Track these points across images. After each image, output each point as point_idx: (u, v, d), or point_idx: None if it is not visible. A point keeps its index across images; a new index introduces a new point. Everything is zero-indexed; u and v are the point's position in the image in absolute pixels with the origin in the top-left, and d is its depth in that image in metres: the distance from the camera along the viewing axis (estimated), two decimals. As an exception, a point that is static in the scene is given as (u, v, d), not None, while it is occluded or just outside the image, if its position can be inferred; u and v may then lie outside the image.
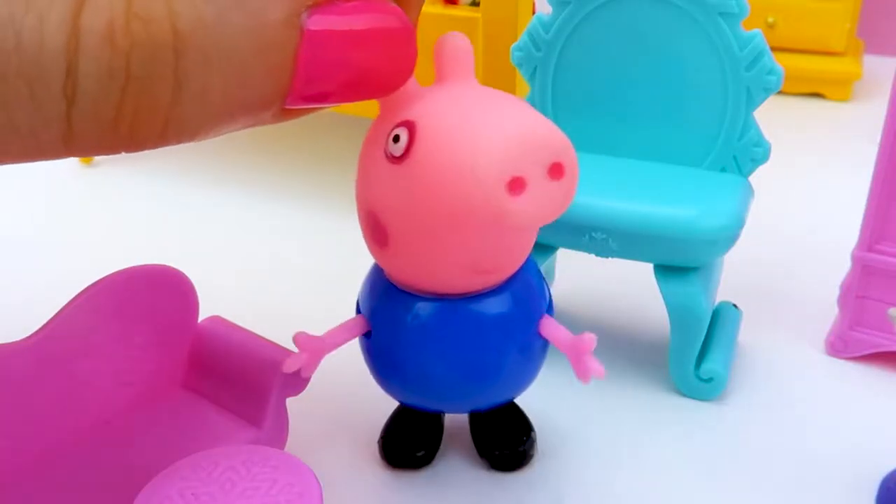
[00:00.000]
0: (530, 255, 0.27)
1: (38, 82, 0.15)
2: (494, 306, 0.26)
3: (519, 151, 0.21)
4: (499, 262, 0.25)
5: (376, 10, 0.20)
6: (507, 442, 0.30)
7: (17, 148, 0.16)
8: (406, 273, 0.26)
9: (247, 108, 0.18)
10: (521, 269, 0.27)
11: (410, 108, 0.23)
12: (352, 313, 0.29)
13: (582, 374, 0.26)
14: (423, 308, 0.26)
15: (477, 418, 0.31)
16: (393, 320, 0.27)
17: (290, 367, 0.27)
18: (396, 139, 0.23)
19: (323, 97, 0.20)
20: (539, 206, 0.21)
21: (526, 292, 0.27)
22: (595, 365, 0.26)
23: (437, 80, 0.25)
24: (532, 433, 0.31)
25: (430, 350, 0.26)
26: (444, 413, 0.31)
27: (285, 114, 0.20)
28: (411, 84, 0.24)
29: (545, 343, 0.28)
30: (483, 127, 0.21)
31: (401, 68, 0.21)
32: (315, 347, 0.27)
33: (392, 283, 0.27)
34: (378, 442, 0.31)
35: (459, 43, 0.25)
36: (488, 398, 0.29)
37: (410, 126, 0.23)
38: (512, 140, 0.21)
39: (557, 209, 0.22)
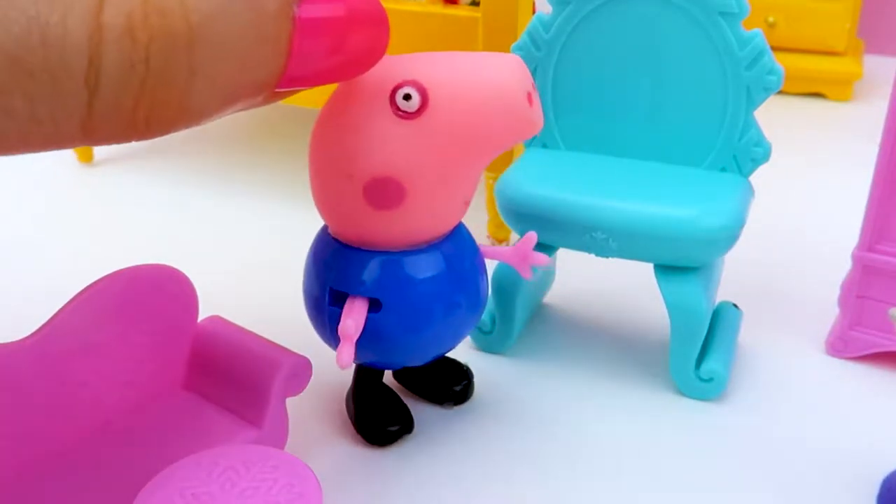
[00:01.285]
0: None
1: (62, 75, 0.16)
2: (461, 245, 0.30)
3: (523, 73, 0.26)
4: (474, 191, 0.29)
5: None
6: (456, 377, 0.33)
7: (37, 138, 0.17)
8: (411, 227, 0.28)
9: (246, 92, 0.20)
10: None
11: (394, 72, 0.26)
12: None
13: (526, 272, 0.31)
14: (424, 259, 0.28)
15: (417, 381, 0.34)
16: (402, 282, 0.28)
17: (344, 361, 0.27)
18: (408, 97, 0.25)
19: (311, 79, 0.21)
20: (538, 112, 0.27)
21: (466, 232, 0.30)
22: (540, 257, 0.31)
23: None
24: (461, 363, 0.34)
25: (440, 299, 0.28)
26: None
27: (274, 96, 0.21)
28: None
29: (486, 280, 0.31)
30: (488, 66, 0.26)
31: (377, 49, 0.23)
32: (353, 336, 0.27)
33: (369, 251, 0.28)
34: (356, 428, 0.32)
35: None
36: (456, 339, 0.30)
37: (416, 84, 0.25)
38: (515, 67, 0.26)
39: (542, 116, 0.28)
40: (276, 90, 0.21)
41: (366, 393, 0.32)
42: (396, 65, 0.26)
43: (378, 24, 0.22)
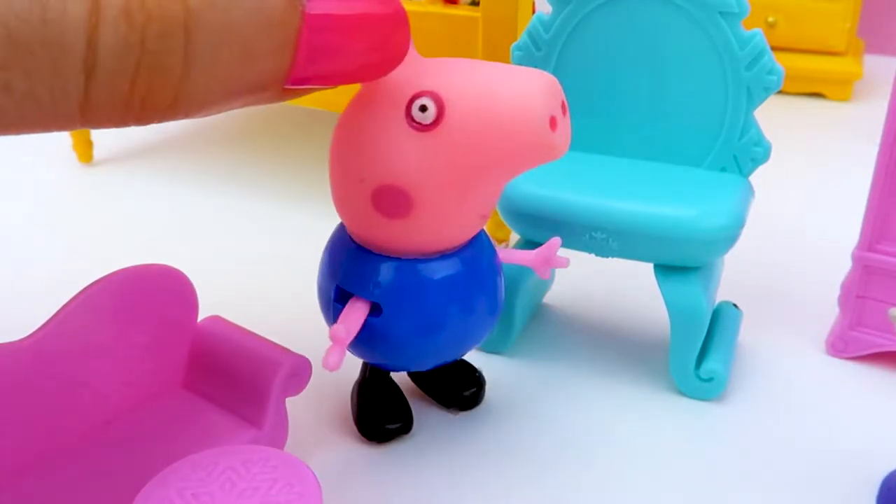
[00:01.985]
0: None
1: (61, 55, 0.16)
2: (479, 255, 0.29)
3: (549, 95, 0.25)
4: (494, 205, 0.29)
5: None
6: (467, 383, 0.33)
7: (36, 118, 0.17)
8: (420, 237, 0.27)
9: (250, 85, 0.19)
10: None
11: (417, 80, 0.25)
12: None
13: (545, 274, 0.31)
14: (436, 268, 0.28)
15: (429, 381, 0.33)
16: (411, 289, 0.28)
17: (330, 364, 0.26)
18: (423, 108, 0.25)
19: (322, 78, 0.21)
20: (564, 137, 0.26)
21: (487, 241, 0.30)
22: (561, 260, 0.31)
23: None
24: (476, 368, 0.34)
25: (443, 306, 0.28)
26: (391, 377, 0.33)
27: (285, 93, 0.21)
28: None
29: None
30: (513, 83, 0.25)
31: (395, 52, 0.22)
32: (345, 339, 0.27)
33: (386, 256, 0.28)
34: (356, 425, 0.31)
35: None
36: (463, 347, 0.30)
37: (434, 95, 0.25)
38: (541, 88, 0.25)
39: (569, 140, 0.26)
40: (286, 87, 0.20)
41: (371, 389, 0.32)
42: (421, 71, 0.25)
43: (396, 26, 0.22)
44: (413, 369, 0.32)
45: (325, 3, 0.20)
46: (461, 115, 0.24)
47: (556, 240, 0.31)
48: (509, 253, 0.32)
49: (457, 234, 0.28)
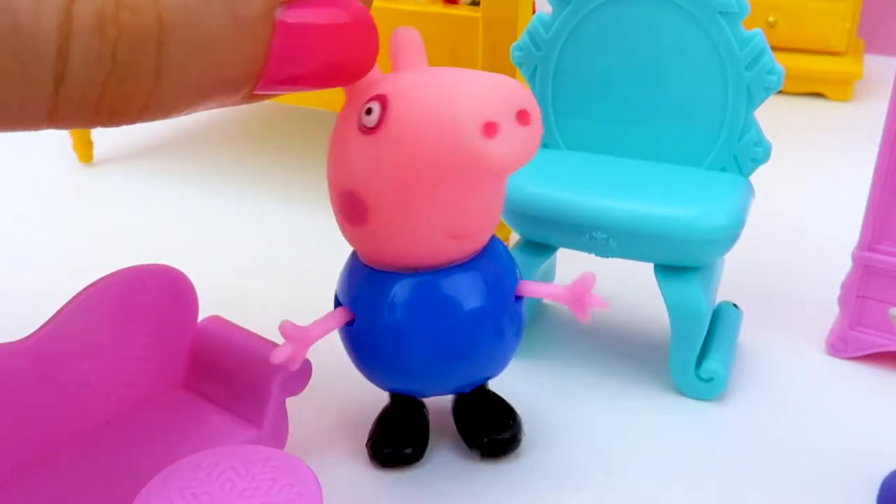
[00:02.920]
0: (496, 236, 0.29)
1: (32, 63, 0.16)
2: (471, 276, 0.27)
3: (490, 99, 0.23)
4: (471, 225, 0.27)
5: (342, 7, 0.21)
6: (494, 428, 0.31)
7: (2, 119, 0.17)
8: (385, 248, 0.27)
9: (219, 91, 0.20)
10: (490, 241, 0.29)
11: (379, 86, 0.25)
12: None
13: (584, 315, 0.28)
14: (403, 284, 0.27)
15: (461, 410, 0.31)
16: (374, 302, 0.27)
17: (277, 357, 0.26)
18: (369, 111, 0.24)
19: (291, 82, 0.21)
20: (510, 149, 0.23)
21: (498, 261, 0.29)
22: (597, 300, 0.28)
23: (394, 69, 0.27)
24: (517, 417, 0.31)
25: (413, 325, 0.27)
26: (425, 406, 0.32)
27: (253, 97, 0.21)
28: (374, 70, 0.25)
29: (520, 313, 0.29)
30: (454, 85, 0.23)
31: (363, 60, 0.23)
32: (300, 337, 0.27)
33: (368, 267, 0.28)
34: (367, 445, 0.31)
35: (412, 35, 0.27)
36: (473, 373, 0.29)
37: (382, 98, 0.24)
38: (482, 90, 0.23)
39: (527, 154, 0.24)
40: (255, 92, 0.21)
41: (389, 414, 0.31)
42: (389, 78, 0.25)
43: (363, 34, 0.22)
44: (397, 390, 0.30)
45: (298, 13, 0.20)
46: (398, 116, 0.24)
47: (590, 275, 0.28)
48: (535, 287, 0.29)
49: (422, 251, 0.27)
